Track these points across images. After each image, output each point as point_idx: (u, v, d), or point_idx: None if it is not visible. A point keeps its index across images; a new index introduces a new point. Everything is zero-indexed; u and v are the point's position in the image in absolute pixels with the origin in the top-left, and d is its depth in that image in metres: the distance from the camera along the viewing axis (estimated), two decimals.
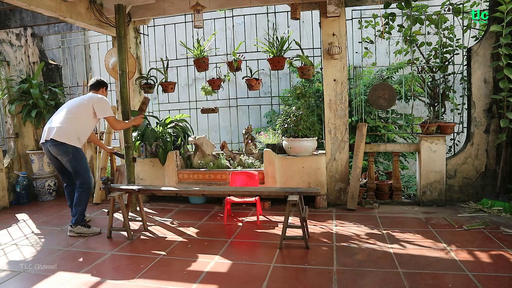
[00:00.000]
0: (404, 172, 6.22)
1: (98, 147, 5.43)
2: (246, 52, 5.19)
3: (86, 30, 5.93)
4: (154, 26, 5.61)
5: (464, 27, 4.56)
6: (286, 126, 4.68)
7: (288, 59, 4.76)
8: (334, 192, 4.71)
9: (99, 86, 4.16)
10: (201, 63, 4.93)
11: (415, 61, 4.76)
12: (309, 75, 4.65)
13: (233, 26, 5.47)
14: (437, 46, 4.65)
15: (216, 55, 5.44)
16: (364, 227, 3.82)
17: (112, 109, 5.34)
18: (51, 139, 3.67)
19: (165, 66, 5.20)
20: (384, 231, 3.66)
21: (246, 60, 5.12)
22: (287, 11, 4.90)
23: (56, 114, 3.87)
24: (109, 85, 5.86)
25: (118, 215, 4.36)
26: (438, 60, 4.67)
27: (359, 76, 4.93)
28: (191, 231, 3.90)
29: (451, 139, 4.82)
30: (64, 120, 3.75)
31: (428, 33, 4.69)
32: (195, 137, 4.95)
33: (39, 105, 5.45)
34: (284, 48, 4.69)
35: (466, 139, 4.65)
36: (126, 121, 4.17)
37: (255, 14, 5.39)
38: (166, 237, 3.73)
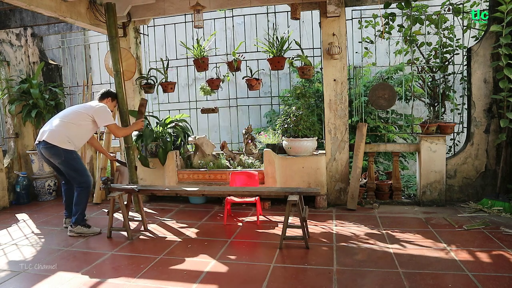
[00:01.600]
0: (404, 172, 6.22)
1: None
2: (246, 52, 5.19)
3: (86, 30, 5.93)
4: (154, 26, 5.61)
5: (464, 27, 4.56)
6: (286, 126, 4.68)
7: (288, 59, 4.76)
8: (334, 192, 4.71)
9: (104, 96, 4.16)
10: (200, 63, 4.93)
11: (415, 61, 4.76)
12: (309, 75, 4.65)
13: (233, 26, 5.47)
14: (437, 46, 4.65)
15: (216, 55, 5.44)
16: (364, 227, 3.82)
17: (115, 111, 5.38)
18: (43, 140, 3.73)
19: (165, 66, 5.20)
20: (384, 231, 3.66)
21: (246, 60, 5.12)
22: (287, 11, 4.90)
23: (53, 118, 3.94)
24: (109, 85, 5.92)
25: (118, 215, 4.36)
26: (438, 60, 4.67)
27: (358, 75, 4.93)
28: (191, 231, 3.90)
29: (451, 139, 4.82)
30: (58, 123, 3.80)
31: (428, 33, 4.68)
32: (195, 137, 4.95)
33: (39, 105, 5.45)
34: (284, 48, 4.69)
35: (466, 139, 4.65)
36: (127, 127, 4.10)
37: (255, 14, 5.39)
38: (166, 237, 3.73)
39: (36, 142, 3.83)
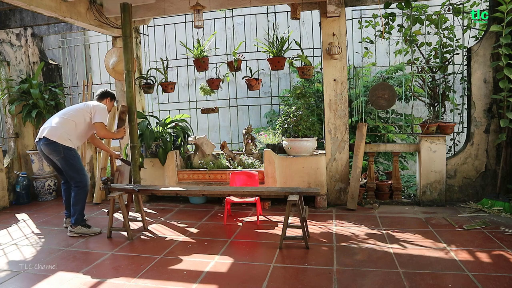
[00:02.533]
0: (404, 172, 6.22)
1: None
2: (246, 52, 5.19)
3: (86, 30, 5.93)
4: (154, 26, 5.61)
5: (464, 27, 4.56)
6: (286, 126, 4.68)
7: (288, 59, 4.77)
8: (334, 192, 4.71)
9: (103, 97, 4.21)
10: (201, 63, 4.94)
11: (415, 61, 4.76)
12: (309, 75, 4.66)
13: (233, 26, 5.47)
14: (437, 46, 4.65)
15: (216, 55, 5.44)
16: (364, 227, 3.82)
17: (113, 110, 5.38)
18: (43, 137, 3.75)
19: (165, 66, 5.20)
20: (384, 231, 3.66)
21: (246, 60, 5.12)
22: (287, 11, 4.90)
23: (53, 116, 3.97)
24: (109, 85, 5.92)
25: (118, 215, 4.36)
26: (438, 60, 4.67)
27: (358, 75, 4.94)
28: (191, 231, 3.90)
29: (451, 139, 4.82)
30: (58, 120, 3.84)
31: (428, 33, 4.69)
32: (195, 137, 4.95)
33: (39, 105, 5.45)
34: (284, 48, 4.69)
35: (466, 139, 4.65)
36: (111, 132, 4.17)
37: (255, 14, 5.39)
38: (166, 237, 3.73)
39: (37, 139, 3.85)
